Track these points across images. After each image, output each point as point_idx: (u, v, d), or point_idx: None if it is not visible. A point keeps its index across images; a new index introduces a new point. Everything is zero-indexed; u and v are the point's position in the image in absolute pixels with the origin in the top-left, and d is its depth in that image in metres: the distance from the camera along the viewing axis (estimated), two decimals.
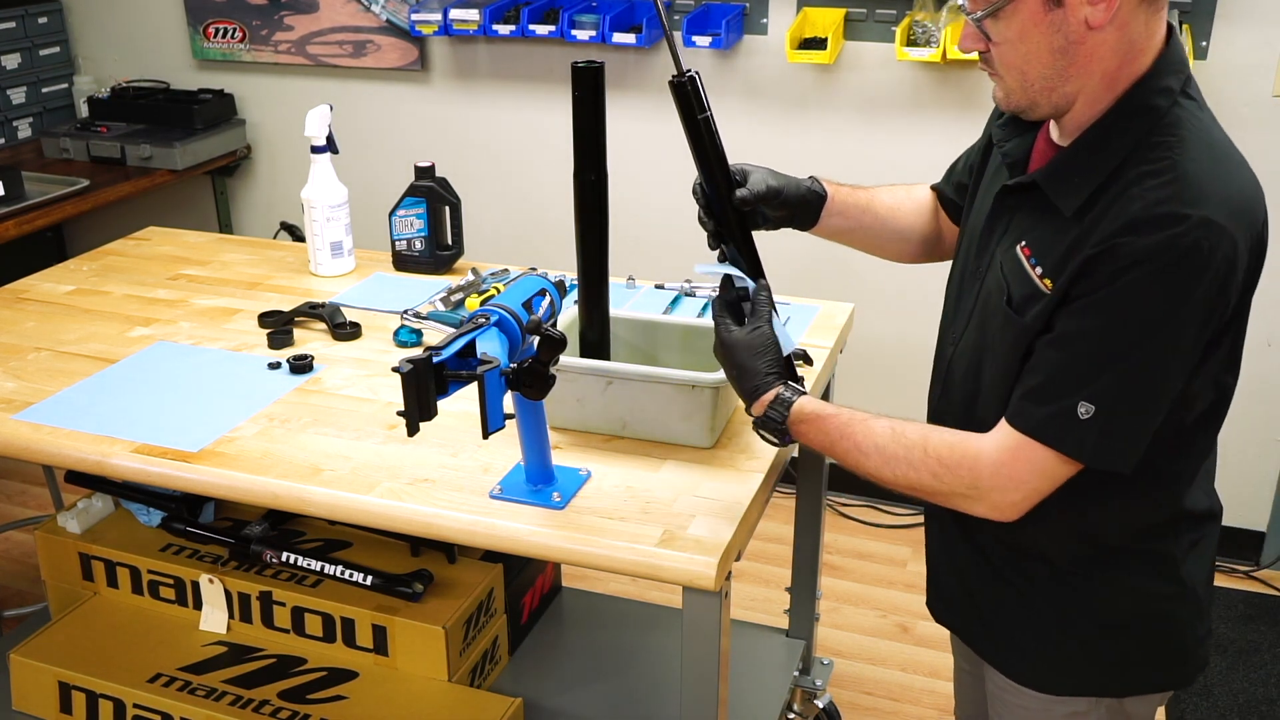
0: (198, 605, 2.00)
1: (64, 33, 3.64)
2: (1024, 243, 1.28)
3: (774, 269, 1.91)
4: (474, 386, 1.26)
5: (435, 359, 1.25)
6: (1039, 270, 1.25)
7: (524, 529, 1.42)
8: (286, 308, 2.04)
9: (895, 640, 2.73)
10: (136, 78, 3.60)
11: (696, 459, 1.57)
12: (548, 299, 1.46)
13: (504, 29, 2.98)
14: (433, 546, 1.98)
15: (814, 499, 2.17)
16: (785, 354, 1.39)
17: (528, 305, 1.40)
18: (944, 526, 1.48)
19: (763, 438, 1.39)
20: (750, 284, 1.40)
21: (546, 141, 3.24)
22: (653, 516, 1.43)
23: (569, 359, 1.55)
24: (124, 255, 2.39)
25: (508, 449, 1.54)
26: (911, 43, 2.73)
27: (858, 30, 2.87)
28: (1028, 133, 1.36)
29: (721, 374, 1.54)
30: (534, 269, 1.90)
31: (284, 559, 1.95)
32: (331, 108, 2.27)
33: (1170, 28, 1.24)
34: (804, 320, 2.00)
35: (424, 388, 1.25)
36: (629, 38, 2.89)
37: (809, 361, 1.83)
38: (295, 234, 2.73)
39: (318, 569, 1.93)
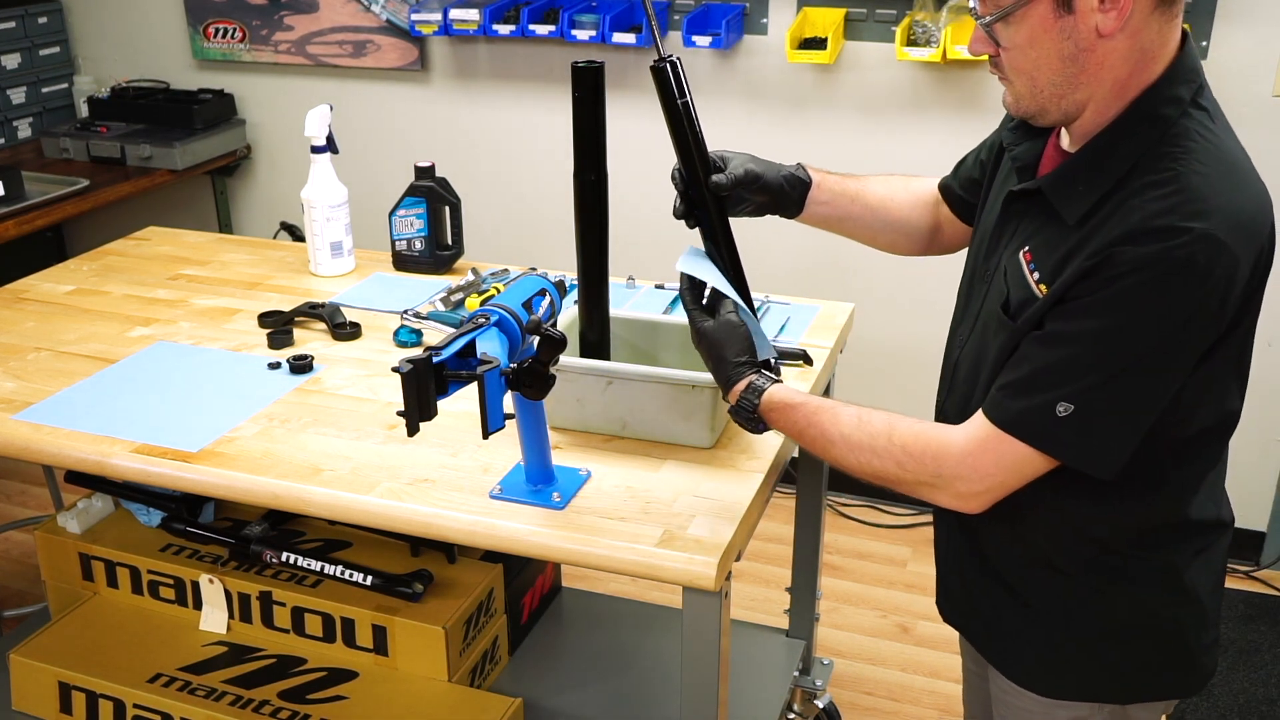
0: (198, 605, 2.00)
1: (64, 33, 3.64)
2: (1027, 248, 1.28)
3: (774, 269, 1.92)
4: (474, 386, 1.26)
5: (435, 359, 1.25)
6: (1036, 276, 1.25)
7: (524, 529, 1.42)
8: (286, 308, 2.04)
9: (895, 640, 2.73)
10: (136, 78, 3.60)
11: (696, 459, 1.57)
12: (548, 299, 1.46)
13: (504, 29, 2.98)
14: (433, 546, 1.98)
15: (814, 499, 2.17)
16: (765, 348, 1.41)
17: (528, 305, 1.40)
18: (950, 528, 1.48)
19: (739, 425, 1.40)
20: (722, 286, 1.41)
21: (546, 141, 3.24)
22: (653, 516, 1.43)
23: (569, 359, 1.55)
24: (124, 255, 2.39)
25: (508, 449, 1.54)
26: (911, 43, 2.73)
27: (858, 30, 2.87)
28: (1038, 137, 1.35)
29: None
30: (534, 269, 1.90)
31: (284, 559, 1.94)
32: (331, 108, 2.27)
33: (1185, 35, 1.23)
34: (804, 320, 2.00)
35: (424, 388, 1.25)
36: (629, 38, 2.89)
37: (809, 361, 1.83)
38: (295, 234, 2.73)
39: (318, 569, 1.93)
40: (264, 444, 1.61)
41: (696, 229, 1.47)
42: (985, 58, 1.28)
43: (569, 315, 1.67)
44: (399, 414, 1.25)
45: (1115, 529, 1.31)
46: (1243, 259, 1.15)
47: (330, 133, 2.24)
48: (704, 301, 1.42)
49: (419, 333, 1.95)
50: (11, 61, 3.48)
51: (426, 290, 2.14)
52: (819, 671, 2.33)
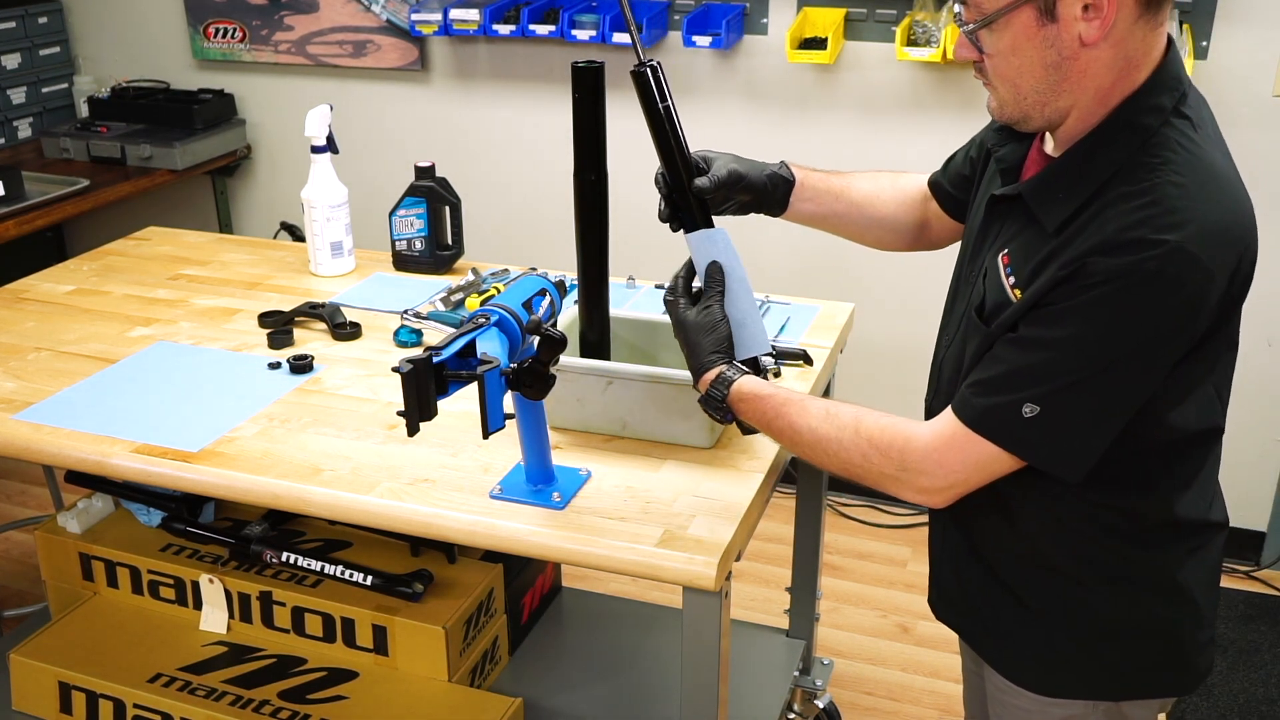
0: (198, 605, 2.00)
1: (64, 33, 3.64)
2: (1005, 252, 1.28)
3: (774, 269, 1.91)
4: (474, 386, 1.26)
5: (435, 359, 1.25)
6: (1011, 280, 1.25)
7: (524, 529, 1.42)
8: (286, 308, 2.04)
9: (895, 640, 2.73)
10: (136, 78, 3.60)
11: (696, 459, 1.57)
12: (548, 299, 1.46)
13: (504, 29, 2.98)
14: (433, 546, 1.98)
15: (814, 499, 2.17)
16: (759, 344, 1.42)
17: (528, 305, 1.40)
18: (945, 526, 1.48)
19: (709, 415, 1.41)
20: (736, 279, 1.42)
21: (547, 141, 3.24)
22: (653, 516, 1.43)
23: (569, 359, 1.55)
24: (124, 255, 2.39)
25: (508, 449, 1.54)
26: (911, 43, 2.73)
27: (858, 30, 2.87)
28: (1023, 139, 1.36)
29: None
30: (534, 269, 1.90)
31: (284, 559, 1.94)
32: (331, 108, 2.27)
33: (1170, 42, 1.23)
34: (804, 320, 2.00)
35: (424, 388, 1.25)
36: (629, 38, 2.89)
37: (809, 361, 1.83)
38: (295, 234, 2.73)
39: (318, 569, 1.93)
40: (264, 444, 1.61)
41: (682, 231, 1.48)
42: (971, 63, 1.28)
43: (569, 315, 1.67)
44: (399, 414, 1.25)
45: (1108, 529, 1.31)
46: (1217, 271, 1.15)
47: (330, 133, 2.24)
48: (691, 292, 1.44)
49: (419, 333, 1.95)
50: (11, 61, 3.48)
51: (426, 290, 2.14)
52: (819, 671, 2.33)
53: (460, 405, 1.38)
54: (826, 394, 1.96)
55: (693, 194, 1.43)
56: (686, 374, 1.54)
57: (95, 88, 3.60)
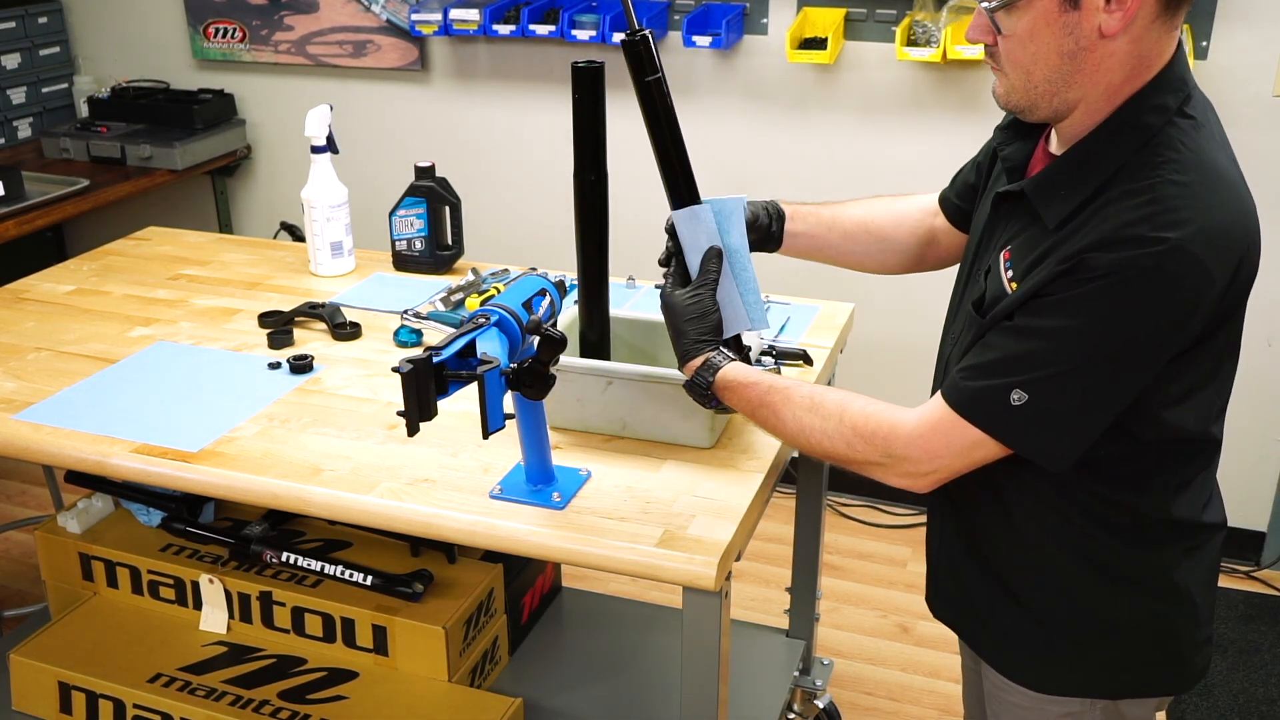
0: (198, 605, 2.00)
1: (64, 33, 3.64)
2: (1008, 248, 1.29)
3: (774, 269, 1.92)
4: (474, 386, 1.26)
5: (435, 359, 1.25)
6: (1009, 274, 1.26)
7: (524, 529, 1.42)
8: (286, 308, 2.04)
9: (895, 640, 2.73)
10: (136, 78, 3.60)
11: (696, 459, 1.57)
12: (548, 299, 1.46)
13: (504, 29, 2.98)
14: (433, 546, 1.98)
15: (814, 499, 2.17)
16: (752, 330, 1.44)
17: (528, 305, 1.40)
18: (943, 524, 1.48)
19: (695, 400, 1.42)
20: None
21: (547, 141, 3.24)
22: (653, 516, 1.43)
23: (569, 359, 1.55)
24: (124, 255, 2.39)
25: (508, 449, 1.54)
26: (911, 43, 2.73)
27: (858, 30, 2.87)
28: (1029, 139, 1.36)
29: None
30: (534, 269, 1.90)
31: (284, 559, 1.94)
32: (331, 108, 2.27)
33: (1179, 45, 1.23)
34: (804, 320, 2.00)
35: (424, 388, 1.25)
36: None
37: (809, 361, 1.83)
38: (295, 234, 2.73)
39: (318, 569, 1.93)
40: (264, 444, 1.61)
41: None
42: (982, 51, 1.28)
43: (569, 315, 1.67)
44: (399, 414, 1.25)
45: (1106, 528, 1.31)
46: (1216, 272, 1.15)
47: (330, 133, 2.24)
48: (684, 271, 1.44)
49: (419, 333, 1.95)
50: (11, 61, 3.48)
51: (426, 290, 2.14)
52: (819, 671, 2.33)
53: (460, 405, 1.38)
54: None
55: (680, 167, 1.42)
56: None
57: (95, 88, 3.60)
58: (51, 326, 2.01)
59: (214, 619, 1.99)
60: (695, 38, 2.85)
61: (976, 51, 2.55)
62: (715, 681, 1.41)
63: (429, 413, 1.26)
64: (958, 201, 1.59)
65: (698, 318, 1.40)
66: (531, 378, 1.32)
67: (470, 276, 2.14)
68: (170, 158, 3.24)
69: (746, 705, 2.06)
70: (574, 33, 2.92)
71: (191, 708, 1.82)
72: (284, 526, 2.05)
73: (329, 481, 1.52)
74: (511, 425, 1.34)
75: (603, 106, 1.54)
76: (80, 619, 2.02)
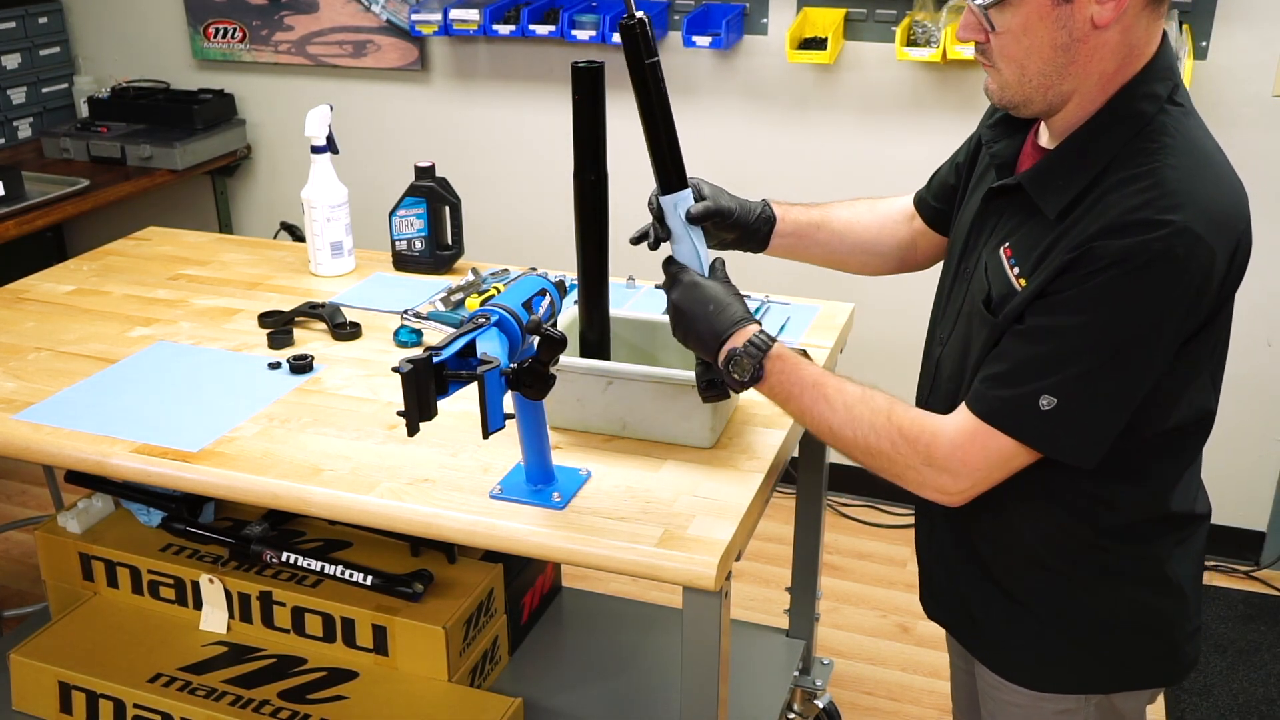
0: (198, 605, 2.00)
1: (64, 33, 3.64)
2: (1008, 244, 1.29)
3: (774, 269, 1.92)
4: (474, 386, 1.26)
5: (435, 359, 1.25)
6: (1016, 270, 1.26)
7: (524, 529, 1.42)
8: (286, 308, 2.04)
9: (895, 640, 2.73)
10: (136, 78, 3.60)
11: (696, 459, 1.57)
12: (548, 299, 1.46)
13: (504, 29, 2.98)
14: (433, 546, 1.98)
15: (814, 499, 2.17)
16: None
17: (528, 305, 1.40)
18: (934, 523, 1.49)
19: (726, 380, 1.38)
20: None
21: (546, 141, 3.24)
22: (653, 516, 1.43)
23: (569, 359, 1.55)
24: (124, 255, 2.39)
25: (508, 449, 1.54)
26: (911, 43, 2.73)
27: (858, 30, 2.87)
28: (1017, 134, 1.36)
29: None
30: (534, 269, 1.90)
31: (284, 559, 1.94)
32: (331, 108, 2.27)
33: (1164, 35, 1.24)
34: (804, 320, 2.00)
35: (424, 388, 1.25)
36: None
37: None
38: (295, 234, 2.73)
39: (318, 569, 1.93)
40: (264, 444, 1.61)
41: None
42: (974, 46, 1.28)
43: (569, 315, 1.67)
44: (399, 414, 1.25)
45: (1100, 523, 1.32)
46: (1219, 252, 1.16)
47: (330, 133, 2.24)
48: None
49: (419, 333, 1.95)
50: (11, 61, 3.48)
51: (426, 290, 2.14)
52: (819, 671, 2.33)
53: (460, 405, 1.38)
54: None
55: (672, 152, 1.41)
56: (686, 374, 1.55)
57: (95, 88, 3.60)
58: (51, 326, 2.01)
59: (214, 619, 1.99)
60: (695, 38, 2.85)
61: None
62: (715, 681, 1.41)
63: (429, 413, 1.26)
64: (935, 204, 1.59)
65: (737, 296, 1.39)
66: (531, 378, 1.32)
67: (470, 276, 2.14)
68: (170, 158, 3.24)
69: (746, 705, 2.06)
70: (574, 33, 2.92)
71: (191, 708, 1.82)
72: (284, 526, 2.05)
73: (329, 481, 1.52)
74: (511, 425, 1.34)
75: (603, 106, 1.54)
76: (80, 619, 2.02)
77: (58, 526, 2.09)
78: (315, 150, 2.23)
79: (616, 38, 2.88)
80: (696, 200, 1.46)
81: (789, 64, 2.93)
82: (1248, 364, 2.79)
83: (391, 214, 2.25)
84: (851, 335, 2.08)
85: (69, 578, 2.09)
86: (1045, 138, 1.32)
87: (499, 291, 1.88)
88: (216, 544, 2.02)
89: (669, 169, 1.42)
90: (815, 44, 2.82)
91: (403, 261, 2.27)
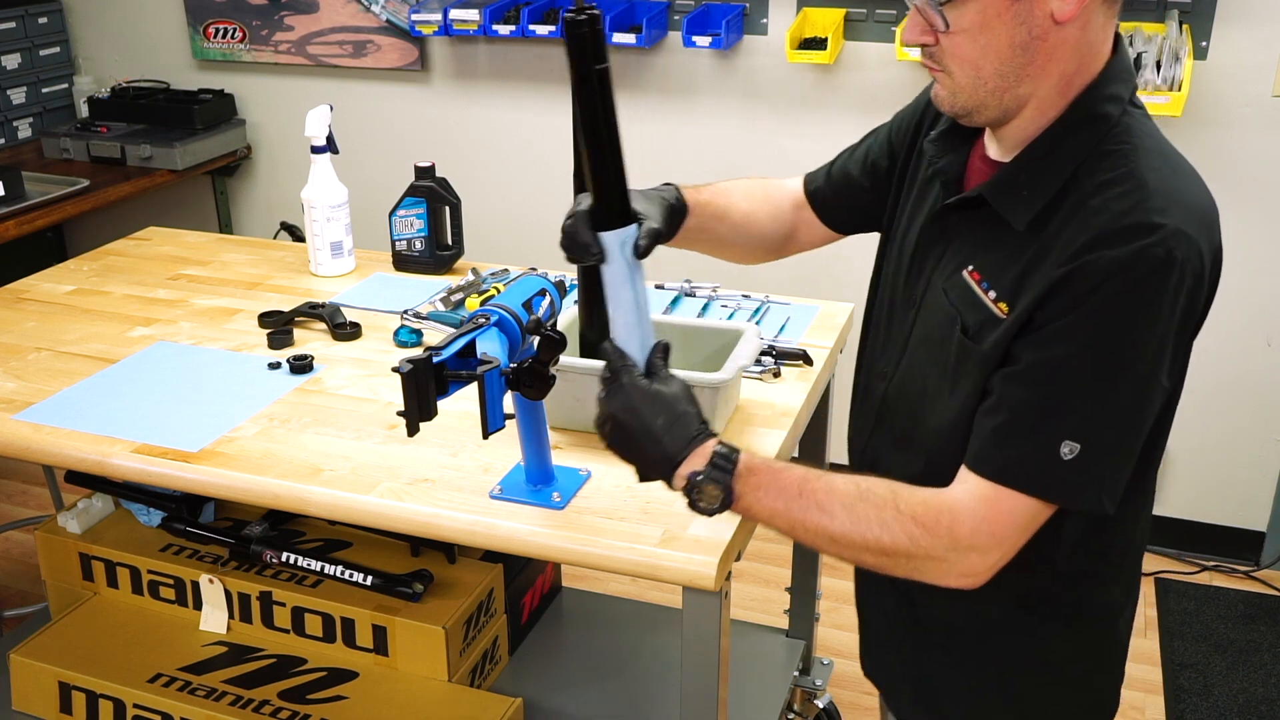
0: (198, 605, 2.00)
1: (64, 33, 3.64)
2: (971, 267, 1.19)
3: (774, 269, 1.91)
4: (474, 386, 1.26)
5: (435, 359, 1.25)
6: (992, 294, 1.16)
7: (524, 529, 1.42)
8: (286, 308, 2.04)
9: None
10: (136, 78, 3.60)
11: None
12: (548, 299, 1.46)
13: (504, 29, 2.98)
14: (433, 546, 1.98)
15: None
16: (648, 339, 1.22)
17: (528, 305, 1.40)
18: (875, 576, 1.40)
19: (695, 508, 1.17)
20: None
21: (546, 141, 3.24)
22: (653, 516, 1.43)
23: (569, 359, 1.55)
24: (124, 255, 2.39)
25: (508, 449, 1.54)
26: None
27: (858, 30, 2.87)
28: (962, 147, 1.27)
29: (722, 374, 1.55)
30: (534, 269, 1.90)
31: (284, 559, 1.94)
32: (331, 108, 2.27)
33: (1117, 34, 1.18)
34: (804, 320, 2.00)
35: (424, 388, 1.25)
36: (629, 38, 2.89)
37: (809, 361, 1.83)
38: (295, 234, 2.73)
39: (318, 569, 1.93)
40: (264, 444, 1.61)
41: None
42: (920, 52, 1.18)
43: (569, 315, 1.67)
44: (399, 414, 1.25)
45: (1039, 572, 1.22)
46: (1206, 253, 1.10)
47: (330, 133, 2.24)
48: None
49: (419, 333, 1.95)
50: (11, 61, 3.48)
51: (426, 290, 2.14)
52: (819, 671, 2.33)
53: (460, 405, 1.38)
54: (826, 395, 1.96)
55: (618, 179, 1.18)
56: (686, 374, 1.54)
57: (95, 88, 3.60)
58: (51, 326, 2.01)
59: (214, 619, 1.99)
60: (695, 38, 2.85)
61: None
62: (715, 681, 1.41)
63: (429, 413, 1.26)
64: (833, 199, 1.49)
65: (689, 399, 1.20)
66: (531, 378, 1.32)
67: (470, 276, 2.14)
68: (170, 158, 3.24)
69: (746, 705, 2.06)
70: None
71: (191, 708, 1.82)
72: (284, 526, 2.05)
73: (329, 481, 1.52)
74: (511, 425, 1.34)
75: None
76: (80, 619, 2.02)
77: (58, 526, 2.09)
78: (315, 150, 2.23)
79: (617, 37, 2.89)
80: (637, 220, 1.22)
81: (789, 64, 2.93)
82: (1248, 364, 2.79)
83: (391, 214, 2.25)
84: (851, 335, 2.07)
85: (69, 578, 2.09)
86: (995, 150, 1.22)
87: (499, 291, 1.88)
88: (216, 544, 2.02)
89: (614, 201, 1.19)
90: (815, 44, 2.82)
91: (403, 261, 2.27)
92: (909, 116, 1.40)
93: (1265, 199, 2.66)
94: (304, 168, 2.24)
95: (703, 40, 2.85)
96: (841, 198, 1.49)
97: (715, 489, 1.16)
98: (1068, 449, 1.07)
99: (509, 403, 1.34)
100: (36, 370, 1.84)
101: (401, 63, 3.32)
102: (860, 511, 1.13)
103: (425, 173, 2.24)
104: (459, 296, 2.05)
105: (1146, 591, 2.91)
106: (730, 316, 2.01)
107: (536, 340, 1.32)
